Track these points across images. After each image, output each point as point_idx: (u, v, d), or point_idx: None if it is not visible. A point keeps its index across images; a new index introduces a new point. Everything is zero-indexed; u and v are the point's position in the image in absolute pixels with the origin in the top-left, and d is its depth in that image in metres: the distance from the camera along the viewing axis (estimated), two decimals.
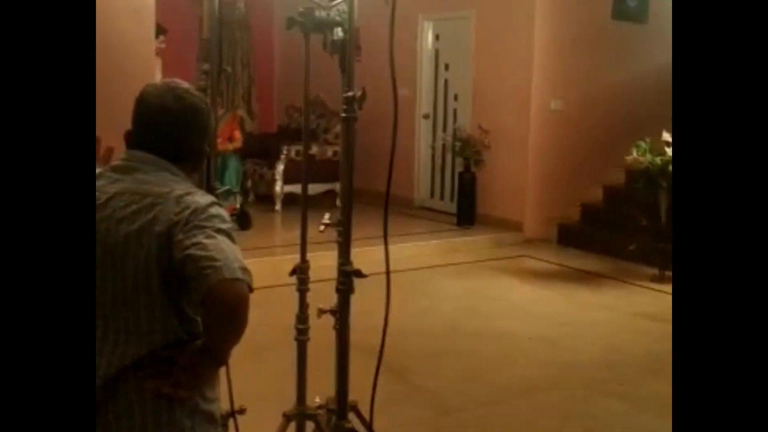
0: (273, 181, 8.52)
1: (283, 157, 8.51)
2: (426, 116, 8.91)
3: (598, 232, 7.76)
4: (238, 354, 4.23)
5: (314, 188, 8.88)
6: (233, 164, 7.56)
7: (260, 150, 8.88)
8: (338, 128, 8.95)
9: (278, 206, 8.53)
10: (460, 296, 6.33)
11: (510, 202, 8.03)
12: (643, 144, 6.55)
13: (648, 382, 4.56)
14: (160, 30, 7.47)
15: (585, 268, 7.10)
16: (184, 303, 1.75)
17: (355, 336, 5.22)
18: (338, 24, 2.33)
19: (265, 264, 6.69)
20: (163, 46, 7.52)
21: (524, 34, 7.72)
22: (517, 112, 7.88)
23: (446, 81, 8.70)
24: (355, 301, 6.04)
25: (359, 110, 2.37)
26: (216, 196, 2.26)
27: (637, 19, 8.12)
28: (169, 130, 1.84)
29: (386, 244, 2.52)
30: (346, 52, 2.36)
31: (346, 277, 2.38)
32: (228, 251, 1.68)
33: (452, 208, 8.40)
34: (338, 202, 8.89)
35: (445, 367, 4.76)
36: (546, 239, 7.98)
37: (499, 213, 8.11)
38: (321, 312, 2.71)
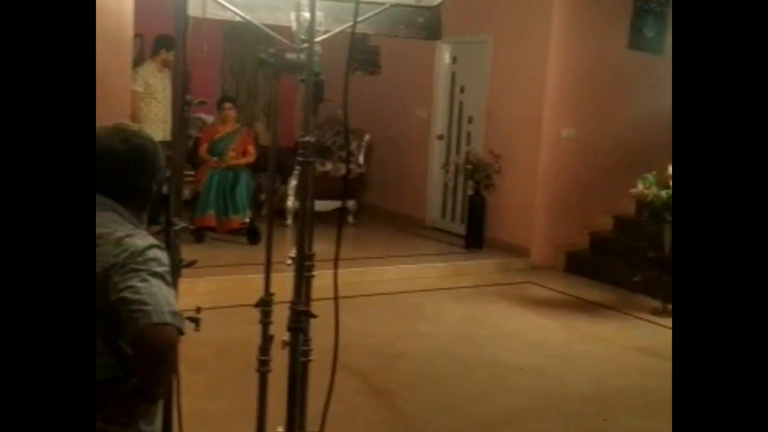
0: (285, 195, 8.61)
1: (296, 172, 8.57)
2: (440, 137, 8.97)
3: (606, 262, 7.75)
4: (228, 372, 4.25)
5: (326, 205, 8.92)
6: (244, 179, 7.67)
7: (275, 164, 8.96)
8: (353, 145, 9.07)
9: (289, 221, 8.61)
10: (458, 321, 6.37)
11: (519, 227, 8.06)
12: (649, 177, 6.55)
13: (631, 418, 4.57)
14: (172, 43, 7.62)
15: (589, 298, 7.10)
16: (121, 342, 1.83)
17: (347, 358, 5.31)
18: (305, 66, 2.39)
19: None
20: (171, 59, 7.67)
21: (539, 61, 7.76)
22: (528, 138, 7.91)
23: (461, 103, 8.76)
24: (356, 321, 6.17)
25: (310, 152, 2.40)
26: (174, 232, 2.34)
27: (654, 50, 8.12)
28: (115, 171, 1.92)
29: (336, 268, 2.55)
30: (310, 95, 2.41)
31: (297, 317, 2.42)
32: (159, 295, 1.76)
33: (462, 230, 8.44)
34: (350, 219, 9.03)
35: (430, 394, 4.80)
36: (553, 266, 7.98)
37: (507, 238, 8.14)
38: (285, 344, 2.77)
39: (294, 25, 2.47)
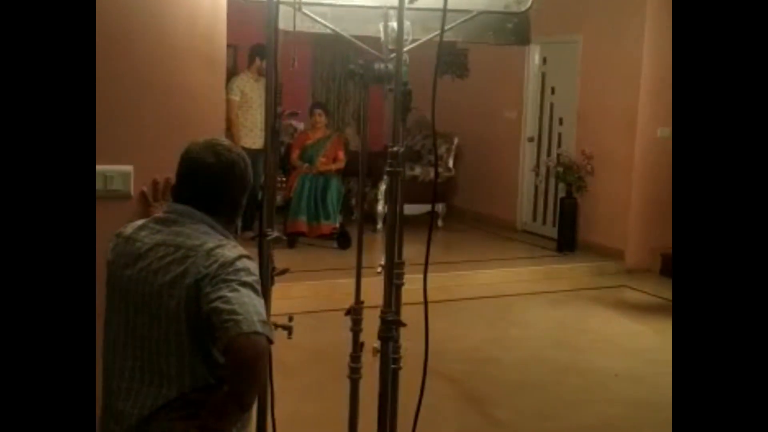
0: (375, 200, 8.67)
1: (385, 177, 8.63)
2: (531, 139, 8.87)
3: None
4: (321, 376, 4.24)
5: (415, 209, 8.96)
6: (335, 185, 7.75)
7: (365, 169, 9.04)
8: (442, 149, 9.06)
9: (379, 225, 8.66)
10: (551, 326, 6.28)
11: (612, 229, 7.88)
12: None
13: None
14: (265, 52, 7.78)
15: None
16: (214, 351, 1.88)
17: (438, 363, 5.30)
18: (393, 75, 2.41)
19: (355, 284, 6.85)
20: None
21: (632, 60, 7.58)
22: (622, 138, 7.73)
23: (552, 104, 8.64)
24: (447, 326, 6.15)
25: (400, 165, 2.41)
26: (267, 242, 2.39)
27: None
28: (206, 184, 1.98)
29: (425, 273, 2.55)
30: (399, 105, 2.42)
31: (388, 326, 2.42)
32: (250, 305, 1.80)
33: (554, 233, 8.32)
34: (439, 223, 9.02)
35: (524, 401, 4.74)
36: (648, 269, 7.78)
37: (600, 240, 7.97)
38: (376, 351, 2.78)
39: (382, 36, 2.48)
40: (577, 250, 8.05)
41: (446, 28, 2.48)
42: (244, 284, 1.84)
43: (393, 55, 2.38)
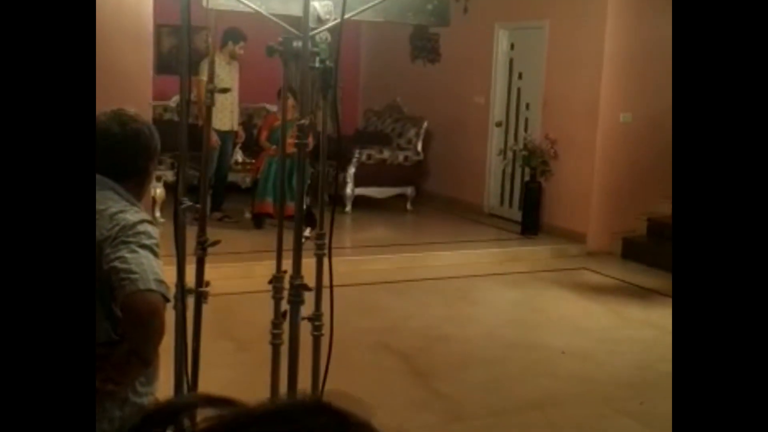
0: (344, 183, 8.77)
1: (354, 160, 8.76)
2: (498, 124, 8.98)
3: (664, 248, 7.63)
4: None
5: (385, 192, 9.13)
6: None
7: (334, 152, 9.14)
8: (411, 133, 9.16)
9: (348, 208, 8.78)
10: (507, 306, 6.42)
11: (575, 213, 8.02)
12: None
13: (669, 402, 4.55)
14: (240, 36, 7.85)
15: (644, 284, 7.04)
16: (115, 308, 1.99)
17: (391, 339, 5.44)
18: (315, 54, 2.51)
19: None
20: (242, 52, 7.89)
21: (595, 46, 7.70)
22: (585, 123, 7.86)
23: (519, 90, 8.75)
24: (404, 304, 6.27)
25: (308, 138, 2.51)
26: (182, 210, 2.49)
27: None
28: (112, 152, 2.09)
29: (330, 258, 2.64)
30: (327, 82, 2.53)
31: (296, 290, 2.53)
32: (147, 265, 1.91)
33: (520, 216, 8.44)
34: (408, 206, 9.14)
35: (470, 376, 4.88)
36: (610, 252, 7.93)
37: (563, 224, 8.11)
38: (302, 319, 2.88)
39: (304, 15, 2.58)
40: (540, 233, 8.18)
41: (364, 8, 2.60)
42: (143, 246, 1.96)
43: (312, 33, 2.48)
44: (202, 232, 3.02)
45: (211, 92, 2.87)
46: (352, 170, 8.75)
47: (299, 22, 2.59)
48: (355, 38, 11.09)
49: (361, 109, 10.92)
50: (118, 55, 2.78)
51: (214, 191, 8.07)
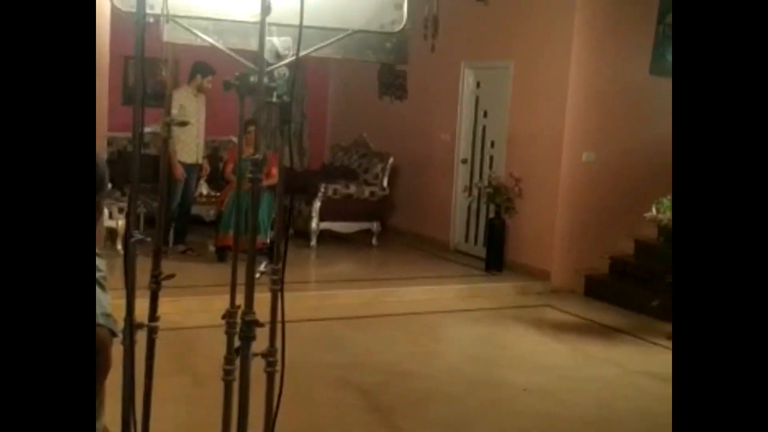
0: (310, 217, 8.76)
1: (320, 194, 8.76)
2: (464, 161, 9.04)
3: (626, 287, 7.72)
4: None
5: (350, 227, 9.13)
6: (266, 200, 7.81)
7: (301, 186, 9.15)
8: (378, 168, 9.19)
9: (313, 242, 8.76)
10: (470, 342, 6.41)
11: (539, 250, 8.07)
12: (664, 201, 6.54)
13: None
14: (208, 70, 7.86)
15: (605, 323, 7.08)
16: None
17: (353, 375, 5.39)
18: (272, 89, 2.51)
19: (286, 299, 6.91)
20: (209, 85, 7.90)
21: (559, 86, 7.82)
22: (549, 162, 7.95)
23: (484, 127, 8.84)
24: (368, 340, 6.24)
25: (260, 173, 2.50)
26: (133, 243, 2.47)
27: None
28: None
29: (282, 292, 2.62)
30: (280, 115, 2.53)
31: (248, 326, 2.51)
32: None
33: (485, 253, 8.47)
34: (374, 241, 9.14)
35: (432, 412, 4.85)
36: (573, 290, 7.97)
37: (527, 261, 8.16)
38: (254, 355, 2.84)
39: (264, 51, 2.59)
40: (504, 270, 8.22)
41: (322, 45, 2.61)
42: None
43: (269, 68, 2.49)
44: (156, 265, 2.99)
45: (168, 125, 2.86)
46: (317, 205, 8.75)
47: (257, 58, 2.60)
48: (324, 74, 11.17)
49: (329, 145, 10.95)
50: None
51: (177, 224, 8.02)
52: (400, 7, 2.54)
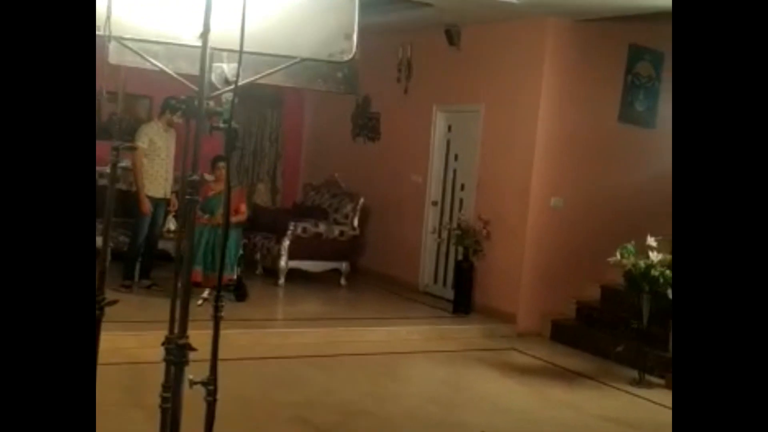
0: (279, 255, 8.73)
1: (289, 233, 8.74)
2: (435, 203, 9.08)
3: (591, 332, 7.72)
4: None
5: (319, 266, 9.10)
6: (233, 237, 7.79)
7: (271, 224, 9.13)
8: (348, 208, 9.19)
9: (281, 280, 8.71)
10: (431, 384, 6.36)
11: (506, 294, 8.08)
12: (629, 246, 6.58)
13: None
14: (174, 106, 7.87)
15: (569, 367, 7.06)
16: None
17: (308, 413, 5.32)
18: (218, 113, 2.52)
19: (250, 336, 6.86)
20: (179, 121, 7.89)
21: (527, 131, 7.90)
22: (517, 205, 7.99)
23: (455, 170, 8.90)
24: (326, 379, 6.18)
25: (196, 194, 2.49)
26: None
27: (644, 124, 8.23)
28: None
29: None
30: (227, 141, 2.53)
31: (180, 350, 2.47)
32: None
33: (452, 295, 8.46)
34: (342, 281, 9.11)
35: None
36: (539, 334, 7.96)
37: (494, 304, 8.15)
38: (192, 383, 2.81)
39: (213, 76, 2.61)
40: (472, 313, 8.20)
41: (270, 71, 2.63)
42: None
43: (216, 93, 2.50)
44: (99, 291, 2.96)
45: (117, 149, 2.85)
46: (286, 243, 8.72)
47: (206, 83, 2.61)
48: (299, 114, 11.23)
49: (302, 184, 10.96)
50: None
51: (143, 258, 7.96)
52: (349, 37, 2.56)
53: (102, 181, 9.06)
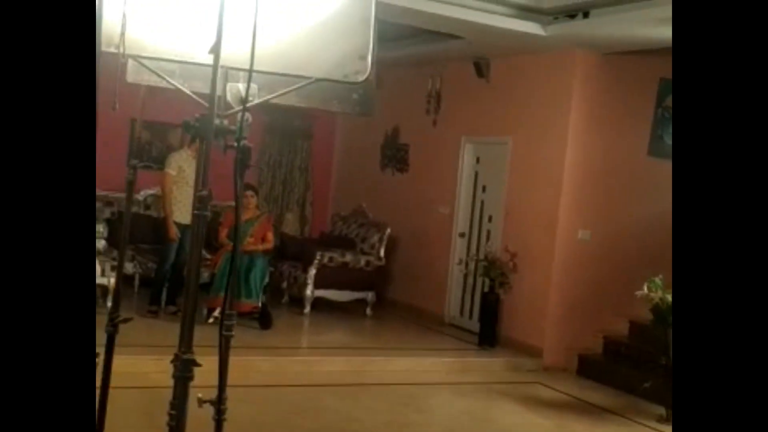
0: (305, 284, 8.73)
1: (316, 262, 8.75)
2: (462, 235, 9.04)
3: (619, 367, 7.59)
4: None
5: (345, 295, 9.09)
6: (260, 264, 7.82)
7: (298, 253, 9.15)
8: (375, 238, 9.19)
9: (307, 309, 8.71)
10: (454, 416, 6.29)
11: (532, 326, 7.99)
12: (656, 280, 6.48)
13: None
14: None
15: (595, 402, 6.94)
16: None
17: None
18: (232, 132, 2.54)
19: (273, 363, 6.86)
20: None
21: (555, 164, 7.86)
22: (544, 238, 7.93)
23: (483, 202, 8.87)
24: (347, 408, 6.14)
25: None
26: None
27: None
28: None
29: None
30: (239, 159, 2.54)
31: (185, 365, 2.45)
32: None
33: (478, 327, 8.38)
34: (368, 311, 9.08)
35: None
36: (565, 368, 7.84)
37: (520, 337, 8.06)
38: (201, 402, 2.79)
39: (228, 95, 2.64)
40: (497, 345, 8.12)
41: (284, 91, 2.65)
42: None
43: (230, 112, 2.52)
44: (115, 307, 2.98)
45: (134, 167, 2.88)
46: (313, 272, 8.73)
47: (221, 102, 2.64)
48: (329, 145, 11.30)
49: (331, 213, 10.99)
50: None
51: (170, 284, 8.00)
52: (364, 58, 2.57)
53: (134, 209, 9.20)
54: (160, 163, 8.75)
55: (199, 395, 2.84)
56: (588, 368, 7.75)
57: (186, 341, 2.37)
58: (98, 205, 9.15)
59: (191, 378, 2.43)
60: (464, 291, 9.01)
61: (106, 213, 9.09)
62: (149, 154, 9.84)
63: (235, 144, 2.58)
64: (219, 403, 2.65)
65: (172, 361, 2.77)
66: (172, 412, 2.72)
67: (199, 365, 2.45)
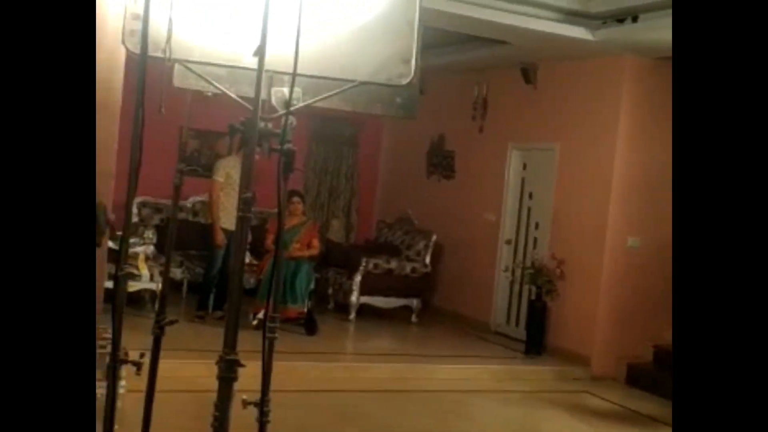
0: (350, 291, 8.75)
1: (361, 268, 8.76)
2: (508, 242, 8.98)
3: (669, 376, 7.44)
4: None
5: (390, 302, 9.08)
6: (305, 270, 7.85)
7: (343, 260, 9.17)
8: (420, 245, 9.17)
9: (352, 315, 8.72)
10: (498, 424, 6.23)
11: (580, 335, 7.88)
12: None
13: None
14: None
15: (644, 412, 6.81)
16: None
17: None
18: (276, 135, 2.55)
19: (318, 369, 6.88)
20: (257, 157, 8.05)
21: (604, 170, 7.76)
22: (592, 245, 7.83)
23: (529, 209, 8.79)
24: (391, 414, 6.13)
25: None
26: (123, 276, 2.49)
27: None
28: None
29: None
30: (282, 161, 2.55)
31: (229, 366, 2.46)
32: None
33: (525, 335, 8.30)
34: (413, 318, 9.05)
35: None
36: (614, 378, 7.72)
37: (568, 345, 7.96)
38: (245, 403, 2.80)
39: (273, 99, 2.65)
40: (544, 354, 8.03)
41: (327, 95, 2.66)
42: None
43: (275, 115, 2.54)
44: (161, 311, 3.01)
45: (181, 172, 2.91)
46: (358, 278, 8.75)
47: (266, 106, 2.65)
48: (375, 152, 11.32)
49: (375, 221, 11.01)
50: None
51: (217, 290, 8.08)
52: (407, 61, 2.57)
53: (182, 215, 9.33)
54: (208, 170, 8.85)
55: (244, 397, 2.86)
56: (637, 377, 7.62)
57: (230, 342, 2.38)
58: (148, 211, 9.31)
59: (235, 378, 2.44)
60: (510, 298, 8.94)
61: (156, 219, 9.23)
62: (198, 161, 9.96)
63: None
64: (262, 405, 2.65)
65: (216, 362, 2.80)
66: (216, 413, 2.74)
67: (242, 365, 2.47)
